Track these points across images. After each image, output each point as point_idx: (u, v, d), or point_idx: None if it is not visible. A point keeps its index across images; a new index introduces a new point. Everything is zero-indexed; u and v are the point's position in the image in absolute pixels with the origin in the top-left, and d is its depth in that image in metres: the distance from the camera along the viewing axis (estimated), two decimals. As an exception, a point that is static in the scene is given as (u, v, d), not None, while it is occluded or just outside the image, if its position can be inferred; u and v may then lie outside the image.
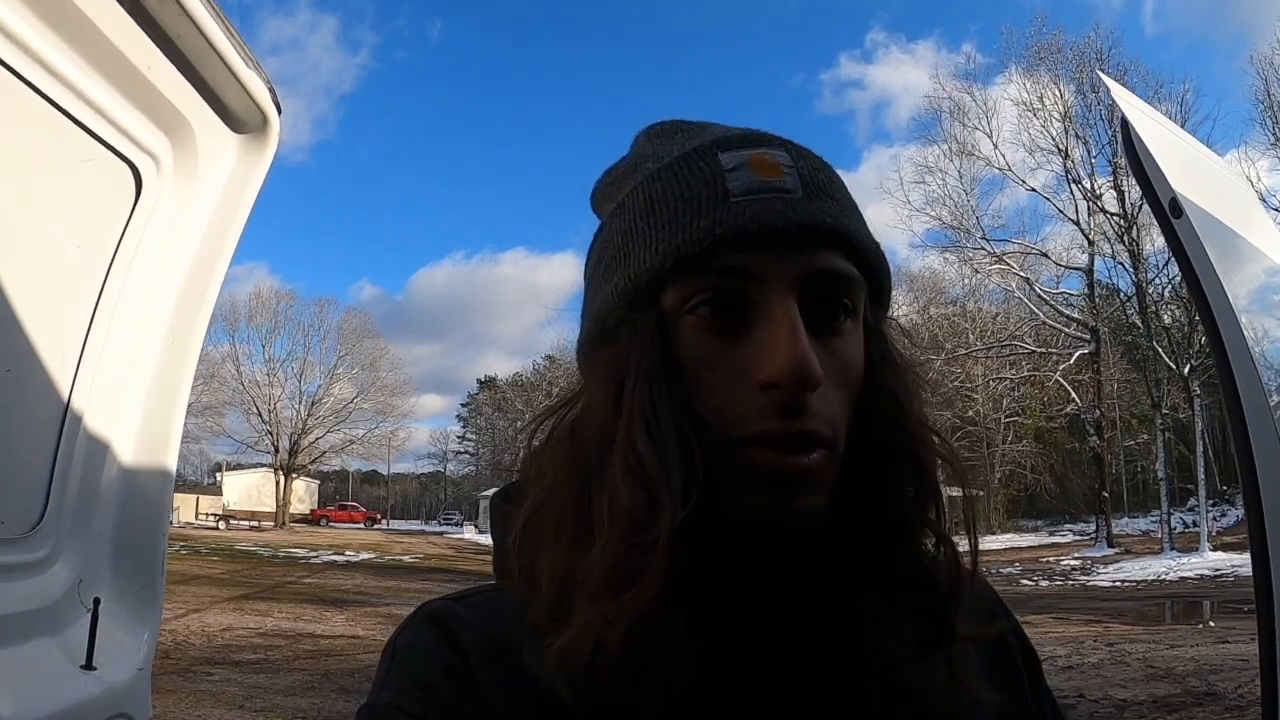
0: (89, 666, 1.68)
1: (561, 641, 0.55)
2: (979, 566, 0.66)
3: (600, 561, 0.56)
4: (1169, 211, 2.28)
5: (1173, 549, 26.52)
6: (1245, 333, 2.13)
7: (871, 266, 0.63)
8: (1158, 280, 29.73)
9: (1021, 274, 34.73)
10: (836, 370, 0.60)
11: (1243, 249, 2.60)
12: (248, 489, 55.21)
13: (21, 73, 1.36)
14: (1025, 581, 21.89)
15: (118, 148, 1.62)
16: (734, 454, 0.57)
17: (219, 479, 58.69)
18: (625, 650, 0.55)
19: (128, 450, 1.84)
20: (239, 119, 1.81)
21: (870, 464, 0.62)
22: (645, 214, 0.62)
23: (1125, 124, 2.38)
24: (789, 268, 0.58)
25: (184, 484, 54.65)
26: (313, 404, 53.87)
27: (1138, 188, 2.45)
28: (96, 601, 1.71)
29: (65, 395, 1.70)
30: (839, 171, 0.66)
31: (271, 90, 1.81)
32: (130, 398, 1.84)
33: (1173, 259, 2.34)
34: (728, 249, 0.58)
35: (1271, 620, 1.97)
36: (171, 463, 1.92)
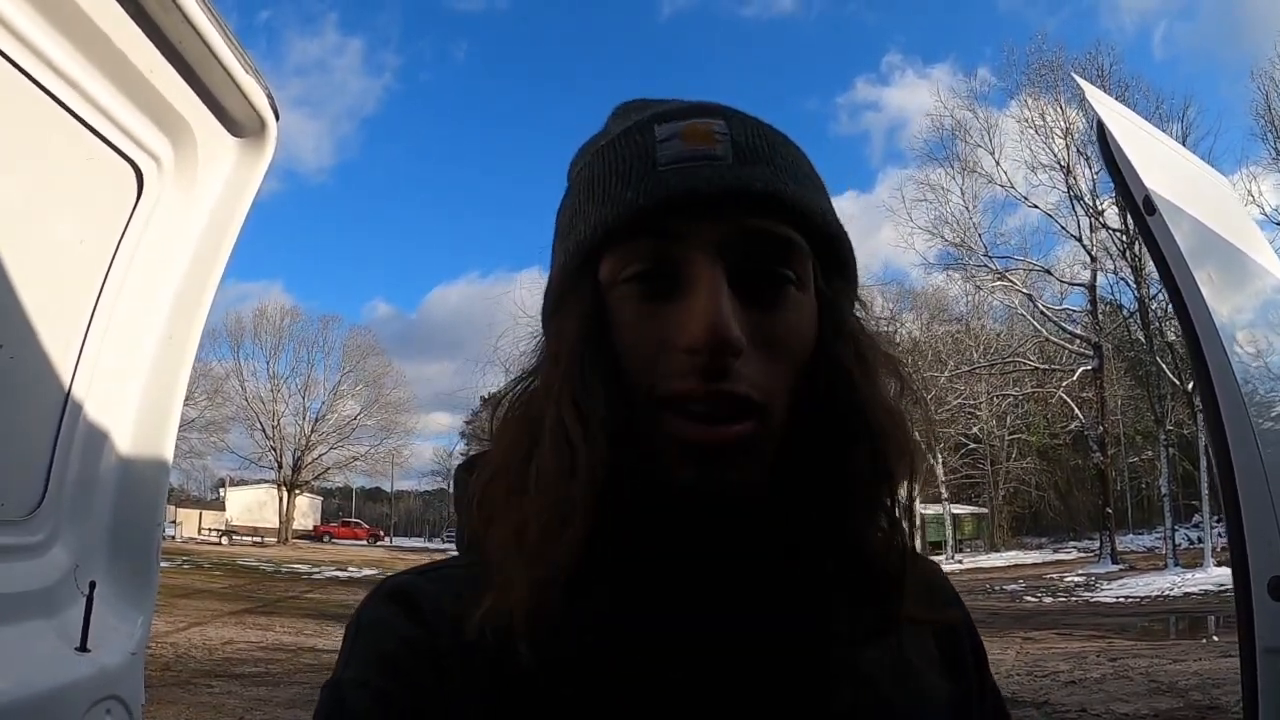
0: (83, 648, 1.72)
1: (489, 600, 0.56)
2: (919, 553, 0.68)
3: (530, 520, 0.57)
4: (1143, 209, 2.35)
5: (1177, 565, 26.32)
6: (1217, 322, 2.18)
7: (823, 236, 0.62)
8: (1160, 295, 29.68)
9: (1024, 291, 34.74)
10: (774, 338, 0.59)
11: (1216, 243, 2.66)
12: (251, 504, 55.12)
13: (31, 73, 1.43)
14: (1029, 598, 21.75)
15: (121, 148, 1.69)
16: (659, 420, 0.57)
17: (222, 494, 58.62)
18: (539, 612, 0.55)
19: (125, 440, 1.90)
20: (238, 123, 1.87)
21: (817, 439, 0.60)
22: (586, 190, 0.63)
23: (1100, 125, 2.45)
24: (713, 232, 0.58)
25: (187, 499, 54.69)
26: (316, 420, 53.86)
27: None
28: (92, 585, 1.76)
29: (66, 385, 1.76)
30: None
31: (270, 96, 1.88)
32: (129, 389, 1.89)
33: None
34: (653, 217, 0.58)
35: (1250, 615, 2.02)
36: (168, 454, 1.97)
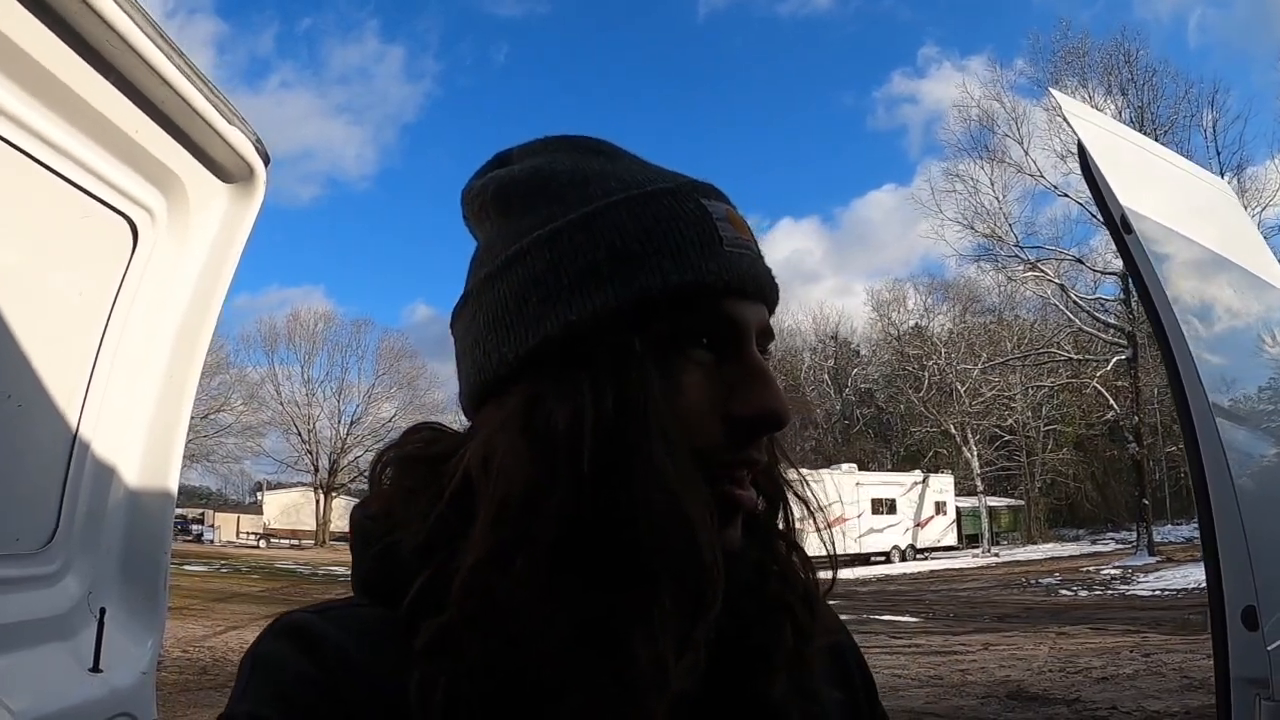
0: (96, 669, 1.84)
1: (624, 675, 0.56)
2: (832, 586, 0.74)
3: (668, 596, 0.56)
4: (1120, 227, 2.37)
5: (1216, 557, 25.82)
6: (1189, 342, 2.20)
7: None
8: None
9: (1057, 281, 34.30)
10: None
11: (1203, 257, 2.66)
12: (288, 508, 55.70)
13: (23, 147, 1.54)
14: (1064, 592, 21.49)
15: (113, 204, 1.80)
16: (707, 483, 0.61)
17: (259, 498, 59.38)
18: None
19: (132, 474, 2.01)
20: (226, 171, 1.97)
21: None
22: (640, 238, 0.61)
23: (1081, 144, 2.47)
24: (756, 320, 0.64)
25: (225, 503, 55.60)
26: (352, 423, 54.53)
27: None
28: (103, 611, 1.88)
29: (74, 426, 1.87)
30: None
31: (257, 143, 1.97)
32: (133, 427, 2.00)
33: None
34: (725, 293, 0.62)
35: (1225, 644, 2.04)
36: (173, 485, 2.08)
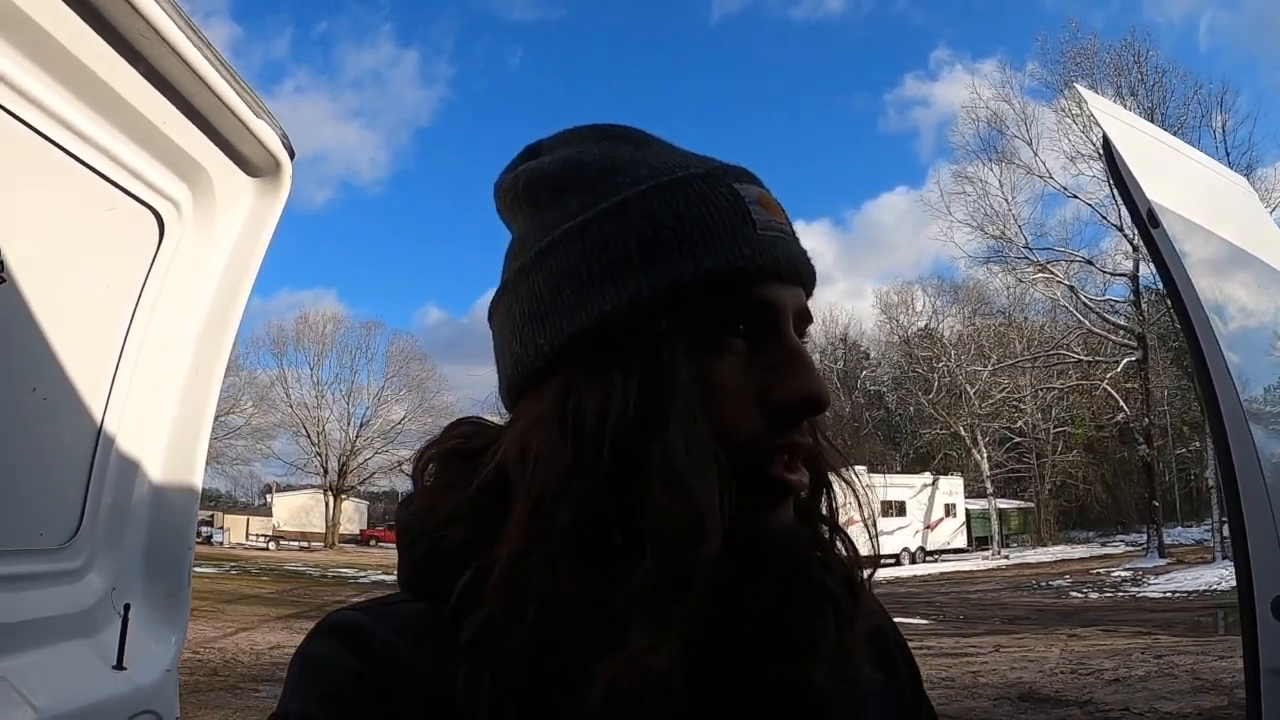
0: (119, 666, 1.83)
1: (613, 668, 0.55)
2: (874, 572, 0.73)
3: (650, 582, 0.56)
4: (1146, 221, 2.35)
5: (1225, 558, 25.64)
6: (1217, 335, 2.18)
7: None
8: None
9: (1066, 283, 34.18)
10: None
11: (1228, 252, 2.64)
12: (297, 510, 55.88)
13: (52, 136, 1.53)
14: (1075, 594, 21.40)
15: (141, 196, 1.79)
16: (749, 469, 0.60)
17: (269, 500, 59.53)
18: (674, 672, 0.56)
19: (156, 470, 2.00)
20: (253, 164, 1.97)
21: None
22: (671, 225, 0.61)
23: (1106, 137, 2.45)
24: (793, 303, 0.64)
25: (234, 505, 55.76)
26: (361, 426, 54.60)
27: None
28: (127, 607, 1.87)
29: (98, 420, 1.86)
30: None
31: (283, 137, 1.97)
32: (158, 422, 2.00)
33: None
34: (760, 277, 0.61)
35: (1254, 635, 2.02)
36: (197, 482, 2.07)
